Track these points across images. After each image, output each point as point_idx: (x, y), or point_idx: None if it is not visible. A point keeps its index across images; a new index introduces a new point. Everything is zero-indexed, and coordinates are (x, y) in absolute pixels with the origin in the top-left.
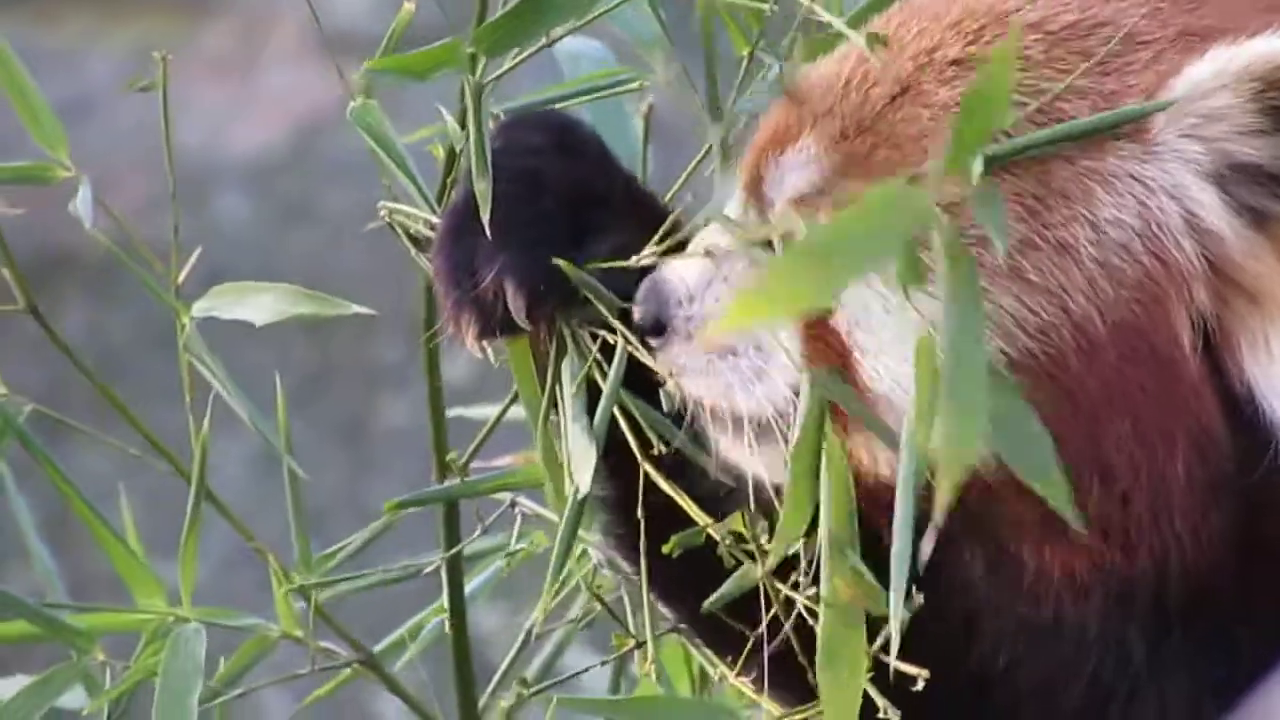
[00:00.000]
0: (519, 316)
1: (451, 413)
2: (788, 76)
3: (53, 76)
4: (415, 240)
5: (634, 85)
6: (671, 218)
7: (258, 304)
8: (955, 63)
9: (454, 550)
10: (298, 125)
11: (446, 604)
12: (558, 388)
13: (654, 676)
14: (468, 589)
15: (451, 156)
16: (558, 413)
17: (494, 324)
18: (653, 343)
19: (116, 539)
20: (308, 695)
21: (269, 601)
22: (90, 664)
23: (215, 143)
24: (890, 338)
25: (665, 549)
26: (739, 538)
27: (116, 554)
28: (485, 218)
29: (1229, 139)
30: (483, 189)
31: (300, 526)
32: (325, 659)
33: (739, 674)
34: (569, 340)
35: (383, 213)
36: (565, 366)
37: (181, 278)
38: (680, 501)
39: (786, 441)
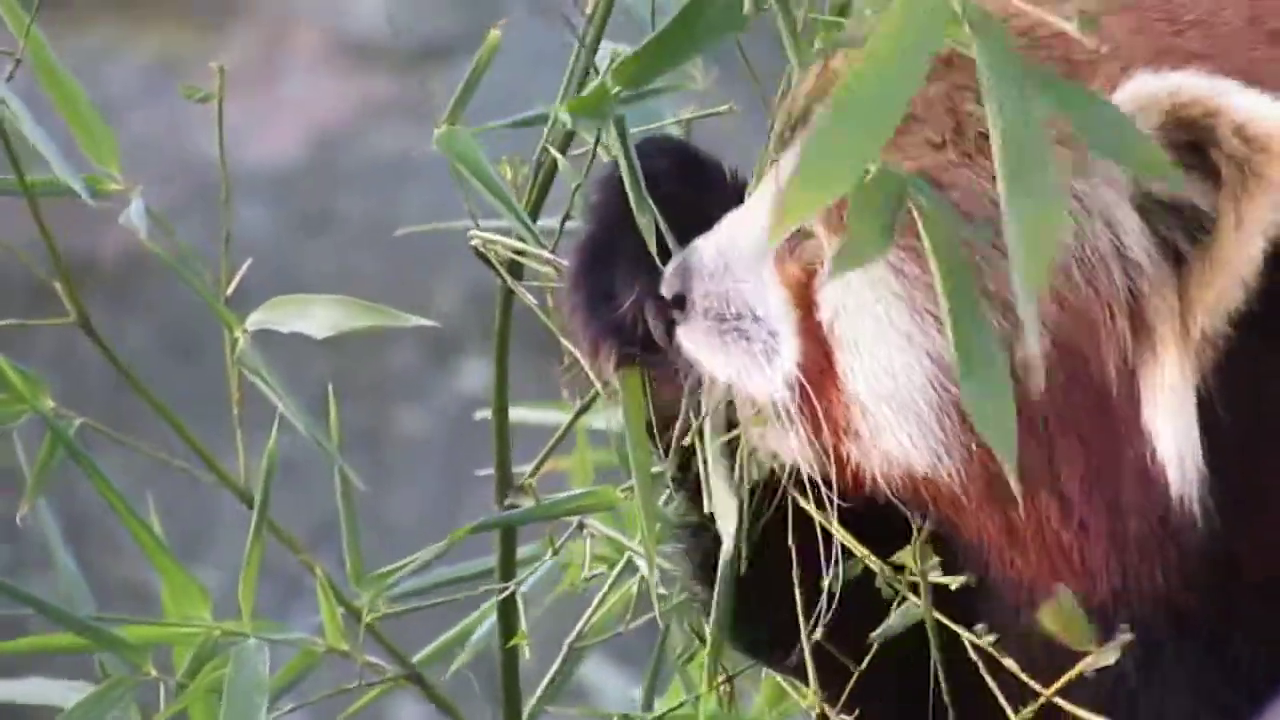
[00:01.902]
0: (658, 334)
1: (481, 414)
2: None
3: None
4: (503, 263)
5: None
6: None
7: (315, 317)
8: (946, 61)
9: (512, 585)
10: (317, 135)
11: (498, 619)
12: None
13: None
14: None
15: (547, 185)
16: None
17: (635, 349)
18: (676, 317)
19: (161, 549)
20: (328, 708)
21: (289, 610)
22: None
23: (235, 151)
24: (862, 334)
25: (827, 583)
26: (896, 569)
27: (162, 564)
28: (651, 247)
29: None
30: (645, 222)
31: (352, 540)
32: (371, 673)
33: (840, 710)
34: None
35: (475, 241)
36: (703, 398)
37: (230, 289)
38: (836, 533)
39: (792, 423)
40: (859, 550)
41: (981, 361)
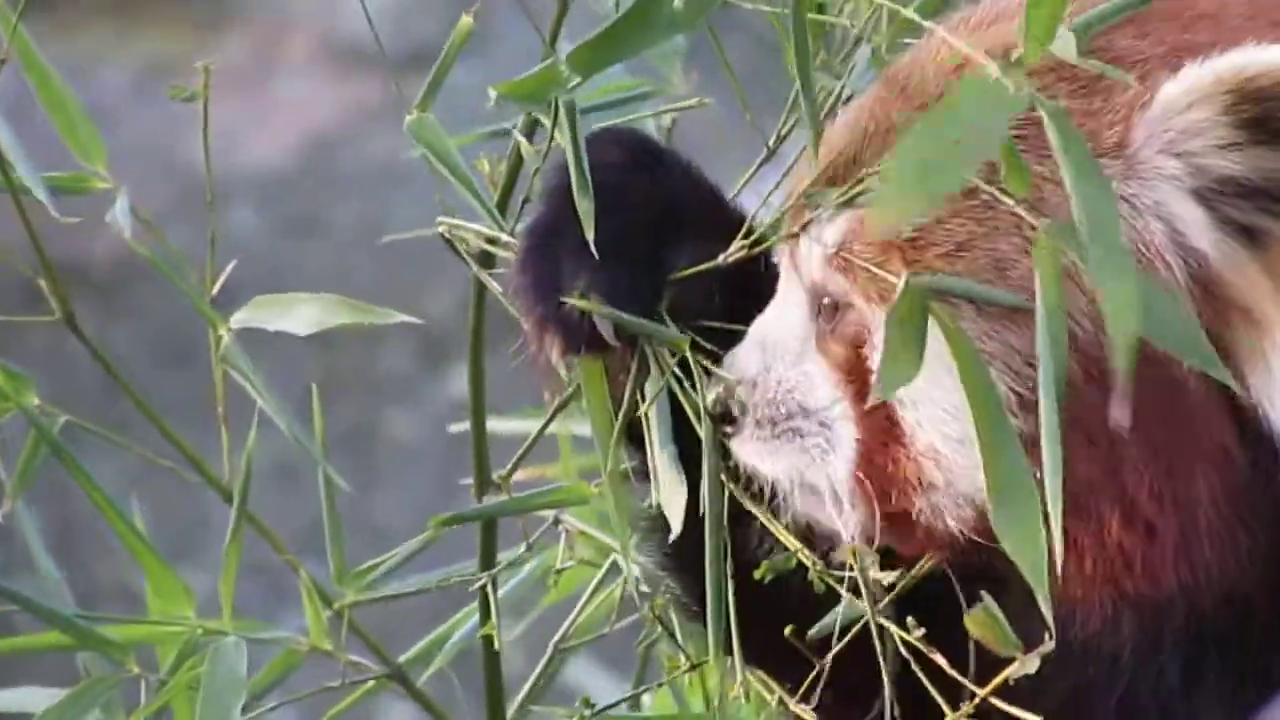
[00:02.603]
0: (607, 333)
1: (457, 427)
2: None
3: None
4: (473, 255)
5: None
6: (748, 223)
7: (300, 315)
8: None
9: (492, 571)
10: (309, 138)
11: (479, 618)
12: (641, 409)
13: (744, 697)
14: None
15: (515, 171)
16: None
17: (579, 341)
18: (728, 430)
19: (148, 549)
20: (316, 708)
21: (274, 609)
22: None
23: (227, 155)
24: (921, 388)
25: (756, 575)
26: (827, 565)
27: (148, 562)
28: (590, 236)
29: (1207, 154)
30: (585, 207)
31: (335, 539)
32: (354, 672)
33: (799, 701)
34: (651, 360)
35: (442, 228)
36: (648, 387)
37: (215, 290)
38: (771, 527)
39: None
40: (792, 544)
41: (1014, 490)
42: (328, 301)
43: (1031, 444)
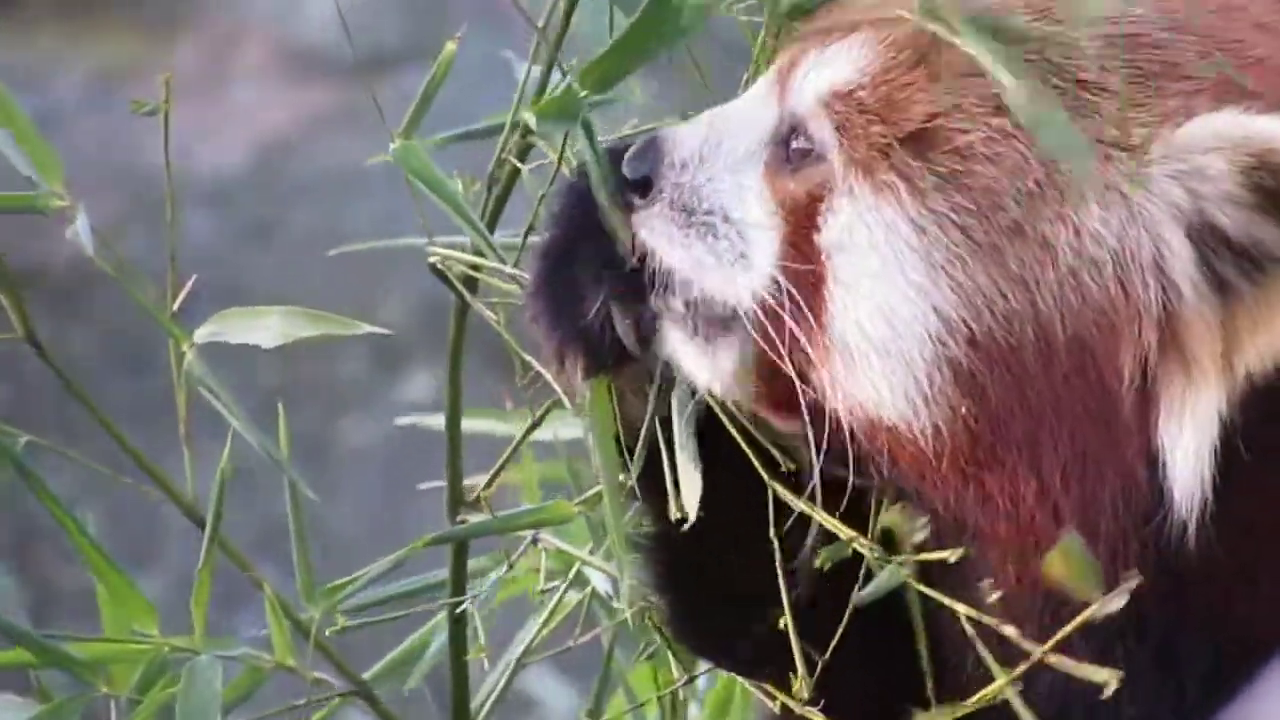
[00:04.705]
0: (628, 341)
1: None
2: None
3: (19, 94)
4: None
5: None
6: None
7: (265, 327)
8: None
9: (465, 601)
10: (263, 144)
11: (450, 633)
12: (671, 414)
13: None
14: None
15: (507, 190)
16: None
17: (603, 356)
18: (636, 200)
19: (107, 562)
20: None
21: (232, 618)
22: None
23: (181, 161)
24: (866, 273)
25: (818, 563)
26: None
27: (108, 577)
28: (627, 243)
29: (1211, 200)
30: (616, 220)
31: (303, 555)
32: (320, 690)
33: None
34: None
35: (433, 258)
36: (674, 393)
37: (155, 296)
38: (818, 517)
39: (746, 345)
40: (846, 533)
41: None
42: (292, 313)
43: (968, 377)
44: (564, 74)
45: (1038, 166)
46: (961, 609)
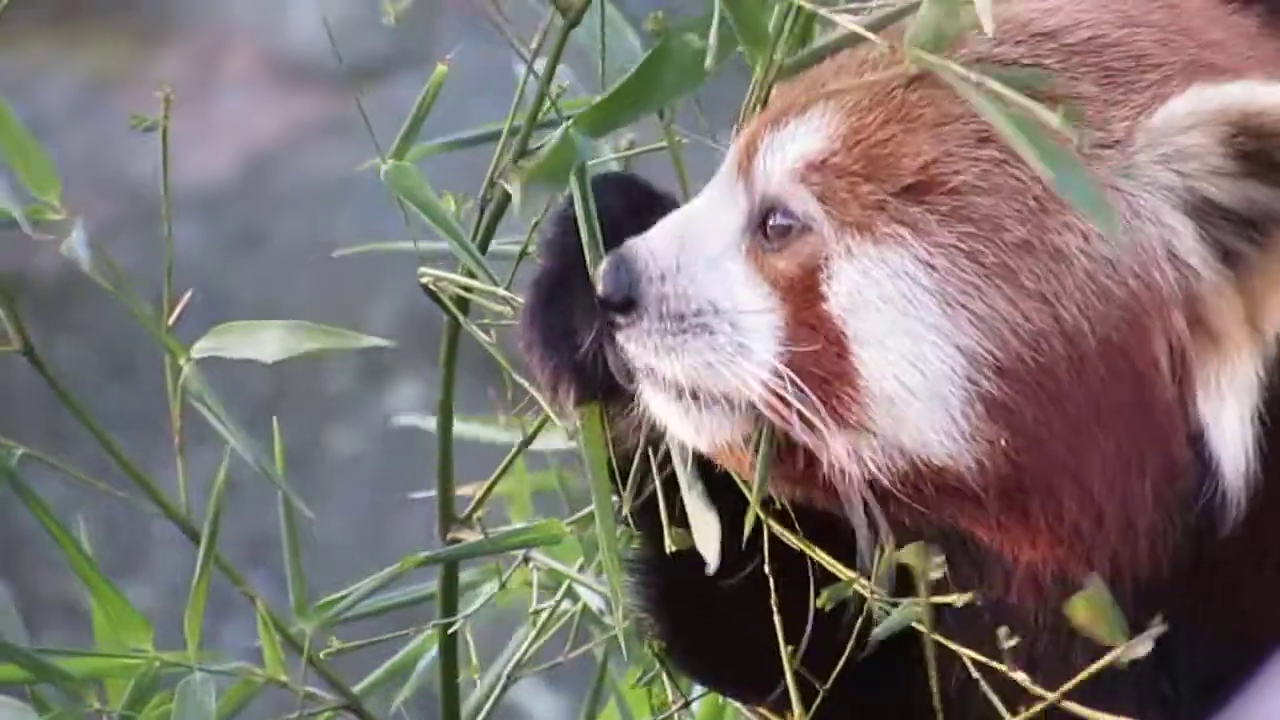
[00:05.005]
0: (620, 377)
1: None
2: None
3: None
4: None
5: None
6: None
7: (264, 341)
8: (978, 60)
9: (458, 620)
10: (250, 154)
11: (439, 649)
12: (664, 454)
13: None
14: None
15: (498, 214)
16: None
17: (595, 388)
18: (619, 320)
19: (99, 575)
20: None
21: (221, 630)
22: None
23: (169, 170)
24: (886, 327)
25: (819, 603)
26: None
27: (100, 590)
28: (600, 292)
29: (1200, 176)
30: (597, 261)
31: (296, 569)
32: (311, 704)
33: None
34: None
35: (425, 280)
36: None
37: (171, 317)
38: (815, 556)
39: (758, 421)
40: (846, 574)
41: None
42: (290, 328)
43: (1003, 409)
44: (554, 106)
45: (1035, 183)
46: (968, 654)
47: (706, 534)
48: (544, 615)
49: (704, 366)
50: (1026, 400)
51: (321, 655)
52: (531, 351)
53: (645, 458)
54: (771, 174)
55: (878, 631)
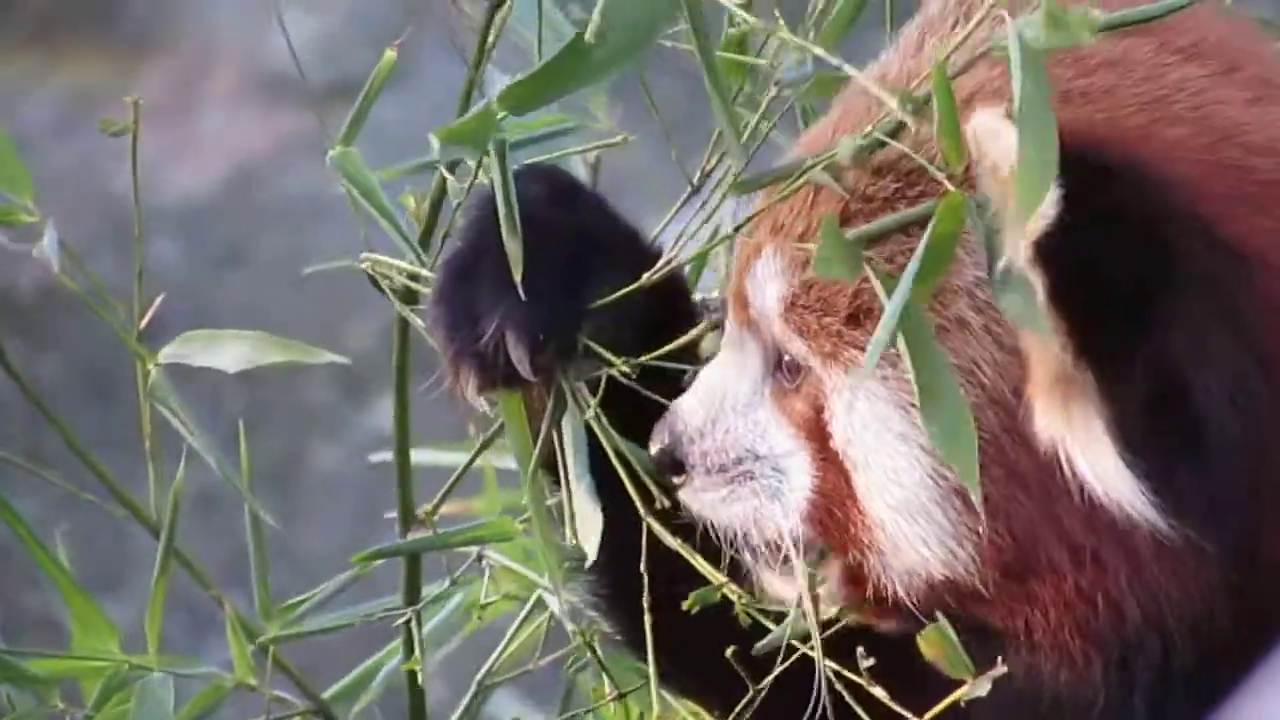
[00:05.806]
0: (521, 368)
1: (378, 456)
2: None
3: None
4: (396, 291)
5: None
6: (664, 259)
7: (228, 351)
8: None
9: (417, 606)
10: (232, 170)
11: (403, 653)
12: (556, 444)
13: None
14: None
15: (438, 206)
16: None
17: (495, 376)
18: (675, 481)
19: (74, 585)
20: None
21: (197, 641)
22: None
23: (150, 187)
24: (871, 448)
25: (685, 606)
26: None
27: (72, 598)
28: (517, 277)
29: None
30: (513, 247)
31: (261, 576)
32: (279, 708)
33: None
34: (568, 394)
35: (365, 264)
36: (565, 422)
37: (143, 324)
38: (691, 560)
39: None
40: (716, 577)
41: (942, 396)
42: (256, 339)
43: (968, 497)
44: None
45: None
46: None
47: (588, 528)
48: (515, 624)
49: (753, 512)
50: (989, 480)
51: (265, 640)
52: (435, 332)
53: (548, 446)
54: (767, 318)
55: (760, 646)
